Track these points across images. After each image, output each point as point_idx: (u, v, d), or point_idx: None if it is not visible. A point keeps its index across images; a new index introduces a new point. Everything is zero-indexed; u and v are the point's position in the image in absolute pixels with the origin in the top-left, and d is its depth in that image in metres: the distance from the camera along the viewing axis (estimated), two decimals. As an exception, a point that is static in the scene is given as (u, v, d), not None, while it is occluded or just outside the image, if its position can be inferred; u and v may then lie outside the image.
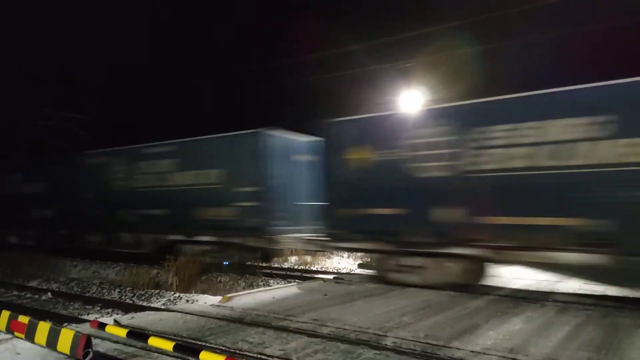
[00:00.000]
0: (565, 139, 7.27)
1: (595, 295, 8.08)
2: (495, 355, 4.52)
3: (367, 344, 4.85)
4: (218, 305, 6.92)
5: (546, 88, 7.64)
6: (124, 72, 21.03)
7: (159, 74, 20.34)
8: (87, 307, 9.14)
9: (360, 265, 10.39)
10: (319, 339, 5.03)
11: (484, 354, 4.56)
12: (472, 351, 4.63)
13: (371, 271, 9.56)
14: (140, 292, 10.05)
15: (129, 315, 6.60)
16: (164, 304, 8.83)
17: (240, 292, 8.78)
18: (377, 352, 4.62)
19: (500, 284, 9.03)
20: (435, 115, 8.60)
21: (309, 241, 11.04)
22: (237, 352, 4.61)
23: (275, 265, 13.91)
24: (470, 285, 8.14)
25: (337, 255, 14.99)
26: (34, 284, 11.75)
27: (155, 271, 11.51)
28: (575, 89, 7.35)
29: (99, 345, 4.64)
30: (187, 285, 10.64)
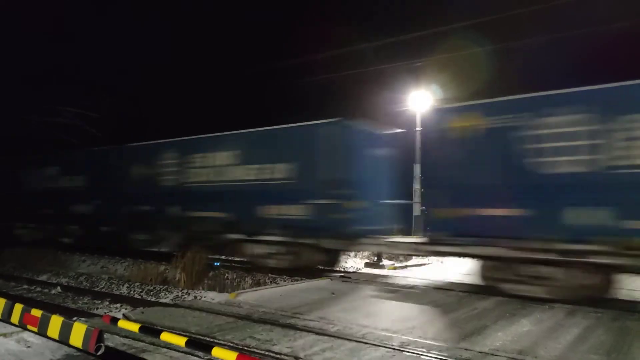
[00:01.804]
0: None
1: (605, 297, 8.01)
2: (504, 356, 4.51)
3: (375, 343, 4.85)
4: (226, 302, 6.95)
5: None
6: (133, 70, 21.20)
7: (168, 72, 20.48)
8: (96, 301, 9.22)
9: (367, 265, 10.31)
10: (326, 337, 5.05)
11: (492, 355, 4.55)
12: (480, 352, 4.62)
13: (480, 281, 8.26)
14: (148, 287, 10.12)
15: (138, 311, 6.66)
16: (172, 300, 8.88)
17: (248, 289, 8.83)
18: (384, 351, 4.63)
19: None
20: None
21: (394, 244, 9.75)
22: (246, 348, 4.64)
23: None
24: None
25: (344, 255, 14.97)
26: (43, 278, 11.88)
27: (163, 267, 11.58)
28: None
29: (109, 340, 4.68)
30: (195, 282, 10.70)
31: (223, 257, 13.50)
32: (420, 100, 16.32)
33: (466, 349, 4.70)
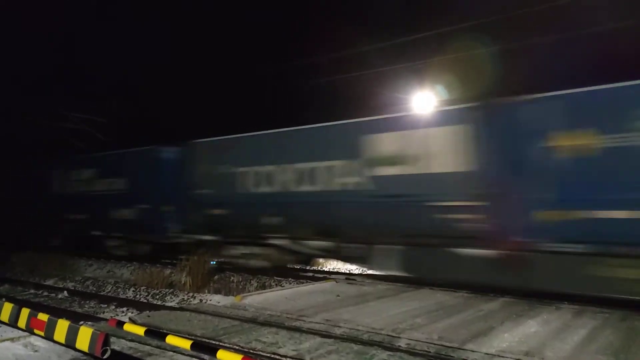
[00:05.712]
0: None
1: (613, 298, 7.94)
2: (511, 357, 4.48)
3: (381, 345, 4.84)
4: (231, 305, 6.96)
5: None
6: (139, 73, 21.23)
7: (172, 74, 20.51)
8: (103, 305, 9.25)
9: None
10: (332, 340, 5.04)
11: (499, 356, 4.53)
12: (487, 353, 4.59)
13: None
14: (154, 291, 10.14)
15: (144, 314, 6.68)
16: (177, 303, 8.90)
17: (253, 292, 8.82)
18: (390, 353, 4.61)
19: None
20: None
21: None
22: (251, 351, 4.64)
23: (289, 265, 13.93)
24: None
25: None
26: (50, 282, 11.93)
27: (168, 271, 11.61)
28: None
29: (115, 344, 4.70)
30: (200, 285, 10.71)
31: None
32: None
33: (473, 350, 4.67)
